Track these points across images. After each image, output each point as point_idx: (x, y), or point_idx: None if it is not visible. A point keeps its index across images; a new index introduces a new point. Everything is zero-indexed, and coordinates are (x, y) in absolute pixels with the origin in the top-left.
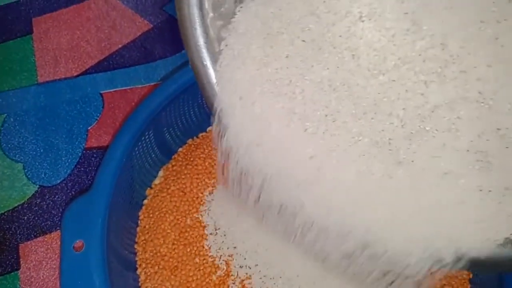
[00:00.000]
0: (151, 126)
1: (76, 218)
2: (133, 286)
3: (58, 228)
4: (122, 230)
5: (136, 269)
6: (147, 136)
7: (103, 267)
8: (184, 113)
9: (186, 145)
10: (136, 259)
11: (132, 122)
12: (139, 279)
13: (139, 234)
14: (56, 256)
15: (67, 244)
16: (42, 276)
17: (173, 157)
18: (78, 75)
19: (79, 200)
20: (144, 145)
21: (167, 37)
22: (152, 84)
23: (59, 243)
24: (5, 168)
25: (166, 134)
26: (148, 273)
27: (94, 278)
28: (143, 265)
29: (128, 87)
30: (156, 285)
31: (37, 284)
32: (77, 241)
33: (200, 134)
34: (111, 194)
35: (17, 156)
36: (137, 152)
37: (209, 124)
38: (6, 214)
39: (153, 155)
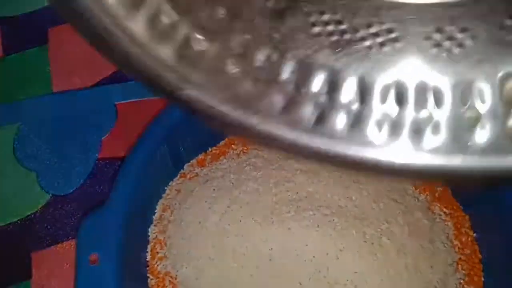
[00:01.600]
0: (166, 140)
1: (91, 231)
2: None
3: (70, 237)
4: (135, 244)
5: (148, 283)
6: (162, 150)
7: (119, 281)
8: (198, 126)
9: (199, 158)
10: (148, 273)
11: (148, 136)
12: None
13: (151, 248)
14: (68, 266)
15: (82, 257)
16: (54, 285)
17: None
18: (92, 86)
19: (95, 212)
20: (159, 158)
21: None
22: None
23: (71, 252)
24: (19, 177)
25: (180, 148)
26: (159, 287)
27: None
28: (155, 280)
29: (142, 99)
30: None
31: None
32: (93, 254)
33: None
34: (127, 208)
35: (31, 165)
36: (152, 165)
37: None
38: (19, 222)
39: (167, 169)
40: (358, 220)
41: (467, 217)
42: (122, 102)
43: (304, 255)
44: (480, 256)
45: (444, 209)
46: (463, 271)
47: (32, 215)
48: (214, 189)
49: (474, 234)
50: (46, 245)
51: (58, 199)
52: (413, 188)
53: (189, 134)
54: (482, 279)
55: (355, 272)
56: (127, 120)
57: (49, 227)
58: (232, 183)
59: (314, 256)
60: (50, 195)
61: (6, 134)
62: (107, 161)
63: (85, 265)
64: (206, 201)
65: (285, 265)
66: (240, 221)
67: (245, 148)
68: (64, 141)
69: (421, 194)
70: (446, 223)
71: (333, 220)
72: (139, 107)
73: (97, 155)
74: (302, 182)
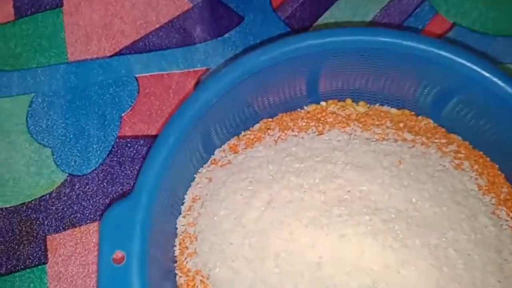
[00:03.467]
0: (198, 122)
1: (115, 226)
2: None
3: (88, 221)
4: (163, 237)
5: (175, 279)
6: (192, 133)
7: (146, 281)
8: (233, 109)
9: (231, 144)
10: (177, 270)
11: (179, 118)
12: None
13: (180, 241)
14: (87, 252)
15: (105, 255)
16: (71, 272)
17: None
18: (111, 56)
19: (119, 205)
20: (189, 143)
21: (208, 18)
22: (191, 70)
23: (89, 237)
24: (33, 152)
25: (213, 133)
26: (190, 286)
27: None
28: (184, 278)
29: (165, 72)
30: None
31: (65, 280)
32: (117, 252)
33: (244, 132)
34: (155, 198)
35: (45, 140)
36: (182, 151)
37: (255, 121)
38: (33, 203)
39: (198, 156)
40: (421, 227)
41: None
42: (144, 74)
43: (359, 267)
44: None
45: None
46: None
47: (47, 196)
48: (250, 181)
49: None
50: (63, 228)
51: (75, 179)
52: (477, 188)
53: (221, 116)
54: None
55: None
56: (149, 95)
57: (65, 209)
58: (271, 176)
59: (371, 269)
60: (67, 174)
61: (18, 105)
62: (128, 140)
63: (108, 265)
64: (241, 194)
65: (335, 275)
66: (283, 221)
67: (283, 134)
68: (80, 115)
69: (485, 196)
70: None
71: (394, 227)
72: (162, 80)
73: (117, 132)
74: (353, 179)
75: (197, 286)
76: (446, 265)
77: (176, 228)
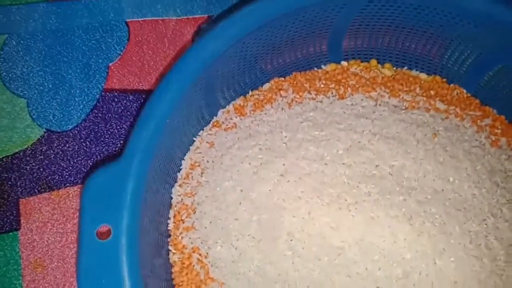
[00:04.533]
0: (199, 78)
1: (101, 195)
2: (164, 278)
3: (67, 184)
4: (155, 209)
5: (168, 256)
6: (193, 90)
7: (135, 261)
8: (241, 64)
9: (236, 104)
10: (170, 246)
11: (177, 71)
12: (173, 270)
13: (175, 214)
14: (65, 219)
15: (88, 229)
16: (47, 240)
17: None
18: None
19: (105, 169)
20: (189, 100)
21: None
22: (190, 17)
23: (68, 202)
24: (5, 102)
25: (217, 91)
26: (185, 265)
27: (123, 275)
28: (179, 255)
29: (160, 18)
30: (196, 282)
31: (40, 249)
32: (102, 226)
33: (252, 92)
34: (148, 165)
35: (19, 89)
36: (180, 109)
37: (264, 80)
38: (4, 160)
39: (199, 116)
40: (460, 211)
41: None
42: (136, 19)
43: (390, 254)
44: None
45: None
46: None
47: (21, 153)
48: (260, 149)
49: None
50: (38, 191)
51: (53, 135)
52: None
53: (227, 71)
54: None
55: (455, 283)
56: (141, 44)
57: (42, 169)
58: (285, 144)
59: (403, 258)
60: (44, 129)
61: None
62: (116, 93)
63: (91, 240)
64: (250, 164)
65: (360, 263)
66: (300, 197)
67: (298, 96)
68: (61, 63)
69: None
70: None
71: (430, 210)
72: (157, 27)
73: (103, 84)
74: (383, 152)
75: (194, 266)
76: (487, 256)
77: (171, 198)
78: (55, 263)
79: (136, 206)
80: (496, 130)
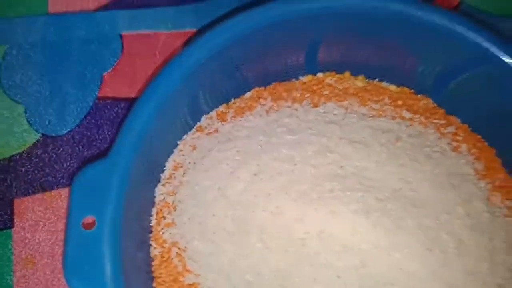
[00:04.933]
0: (184, 84)
1: (88, 189)
2: (144, 270)
3: (60, 185)
4: (138, 206)
5: (149, 250)
6: (178, 96)
7: (117, 250)
8: (223, 73)
9: (219, 111)
10: (152, 241)
11: (164, 77)
12: (153, 263)
13: (157, 211)
14: (56, 218)
15: (75, 219)
16: (38, 238)
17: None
18: (95, 10)
19: (93, 166)
20: (174, 106)
21: None
22: (180, 31)
23: (60, 203)
24: (4, 109)
25: (200, 98)
26: (164, 258)
27: (105, 263)
28: (159, 249)
29: (152, 31)
30: (174, 274)
31: (31, 247)
32: (88, 217)
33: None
34: (133, 162)
35: (18, 96)
36: (165, 113)
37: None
38: (1, 162)
39: (183, 121)
40: (415, 208)
41: None
42: (129, 32)
43: (348, 246)
44: None
45: (506, 201)
46: None
47: (17, 156)
48: (238, 151)
49: None
50: (32, 192)
51: (48, 140)
52: (473, 173)
53: (210, 80)
54: None
55: (408, 272)
56: (133, 56)
57: (36, 171)
58: (261, 146)
59: (360, 248)
60: (40, 134)
61: None
62: (108, 101)
63: (77, 230)
64: (227, 164)
65: (322, 253)
66: (270, 194)
67: (276, 104)
68: (58, 72)
69: (481, 181)
70: (506, 219)
71: (387, 206)
72: (149, 40)
73: (96, 92)
74: (348, 154)
75: (172, 259)
76: (438, 247)
77: (154, 197)
78: (45, 260)
79: (120, 200)
80: (458, 137)
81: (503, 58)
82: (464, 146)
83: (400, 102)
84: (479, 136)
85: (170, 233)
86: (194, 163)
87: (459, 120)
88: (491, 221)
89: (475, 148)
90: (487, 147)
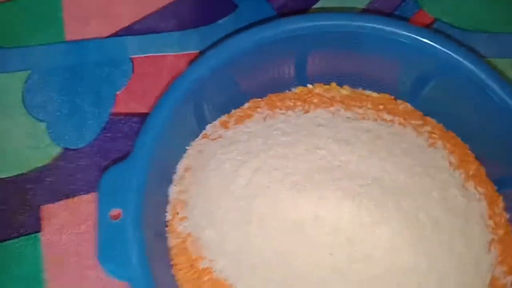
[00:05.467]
0: (191, 97)
1: (113, 185)
2: (164, 257)
3: (81, 192)
4: (156, 203)
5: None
6: (186, 107)
7: (140, 237)
8: (224, 88)
9: (221, 120)
10: (168, 234)
11: (174, 91)
12: (171, 252)
13: (172, 208)
14: (80, 221)
15: (103, 212)
16: (64, 240)
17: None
18: (108, 36)
19: (117, 166)
20: (183, 116)
21: (203, 5)
22: (185, 52)
23: (82, 208)
24: (29, 127)
25: (205, 109)
26: (181, 247)
27: (131, 248)
28: (176, 240)
29: (160, 54)
30: (190, 261)
31: (58, 248)
32: (114, 210)
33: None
34: (150, 163)
35: (40, 115)
36: (175, 123)
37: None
38: (29, 174)
39: (190, 128)
40: (394, 192)
41: (500, 197)
42: (139, 55)
43: (337, 226)
44: None
45: (479, 188)
46: (496, 252)
47: (43, 168)
48: (239, 152)
49: (508, 216)
50: (57, 199)
51: (70, 153)
52: (448, 164)
53: (213, 93)
54: None
55: (390, 247)
56: (143, 76)
57: (60, 181)
58: (259, 147)
59: (347, 228)
60: (62, 148)
61: (15, 81)
62: (122, 117)
63: (106, 220)
64: (231, 164)
65: (315, 234)
66: (268, 186)
67: (271, 112)
68: (76, 93)
69: (456, 171)
70: (480, 202)
71: (369, 191)
72: (157, 62)
73: (110, 109)
74: (334, 151)
75: (188, 248)
76: (416, 227)
77: (168, 196)
78: (73, 259)
79: (140, 195)
80: (434, 135)
81: (469, 66)
82: (439, 143)
83: (381, 107)
84: (453, 134)
85: (184, 226)
86: (202, 165)
87: (434, 121)
88: (466, 205)
89: (450, 144)
90: (460, 143)
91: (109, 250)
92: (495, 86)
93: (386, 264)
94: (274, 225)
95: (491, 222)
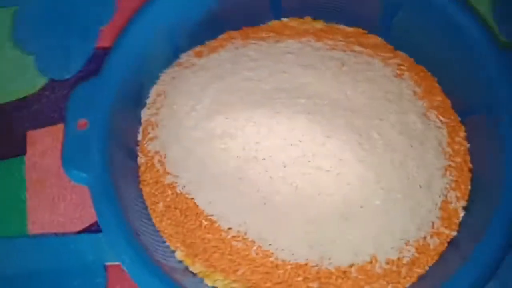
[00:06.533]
0: (165, 23)
1: (82, 99)
2: (133, 175)
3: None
4: (128, 125)
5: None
6: (159, 35)
7: (105, 148)
8: (199, 16)
9: (196, 50)
10: (139, 152)
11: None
12: (139, 170)
13: (143, 129)
14: (61, 147)
15: (71, 122)
16: (46, 163)
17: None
18: None
19: (86, 82)
20: (157, 43)
21: None
22: None
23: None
24: (17, 59)
25: (178, 37)
26: (149, 164)
27: (93, 154)
28: (144, 158)
29: None
30: (156, 177)
31: (40, 170)
32: (81, 120)
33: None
34: (119, 79)
35: (28, 48)
36: (147, 47)
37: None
38: (16, 102)
39: (164, 58)
40: (349, 112)
41: (463, 127)
42: None
43: (290, 139)
44: (470, 165)
45: (441, 117)
46: (451, 177)
47: (29, 97)
48: (208, 76)
49: (468, 145)
50: (41, 125)
51: (55, 83)
52: (412, 93)
53: (188, 21)
54: (469, 187)
55: (340, 160)
56: (127, 11)
57: (45, 109)
58: (227, 72)
59: (300, 141)
60: (48, 79)
61: (3, 16)
62: (106, 51)
63: (72, 130)
64: (200, 85)
65: (270, 147)
66: (230, 104)
67: (244, 42)
68: (62, 28)
69: (419, 101)
70: (440, 130)
71: (324, 109)
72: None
73: (95, 44)
74: (298, 74)
75: (155, 165)
76: (367, 144)
77: (141, 118)
78: (52, 180)
79: (107, 108)
80: (402, 67)
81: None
82: (406, 74)
83: (352, 39)
84: (423, 68)
85: (153, 145)
86: (173, 88)
87: (406, 55)
88: (424, 131)
89: (418, 77)
90: (429, 76)
91: (73, 157)
92: (464, 19)
93: (335, 176)
94: (234, 140)
95: (449, 149)
